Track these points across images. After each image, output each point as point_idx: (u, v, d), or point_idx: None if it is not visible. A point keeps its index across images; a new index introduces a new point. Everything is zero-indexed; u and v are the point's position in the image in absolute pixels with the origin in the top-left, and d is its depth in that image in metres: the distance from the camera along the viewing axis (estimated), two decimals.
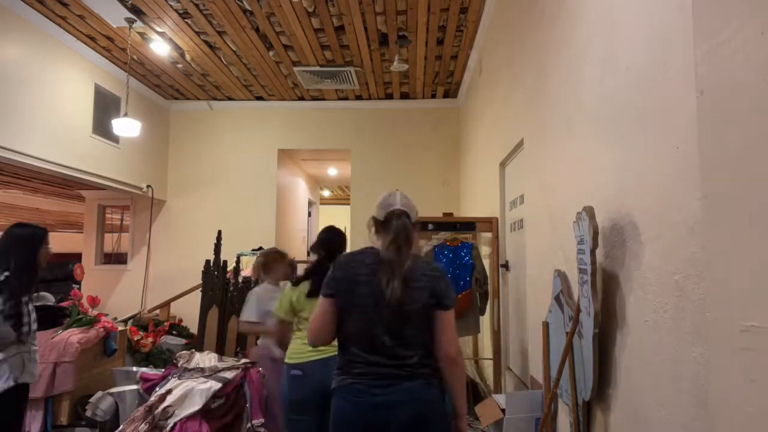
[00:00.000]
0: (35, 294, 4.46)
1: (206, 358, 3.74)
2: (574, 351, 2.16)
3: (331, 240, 3.01)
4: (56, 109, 5.32)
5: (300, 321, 2.83)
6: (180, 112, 7.65)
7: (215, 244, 5.37)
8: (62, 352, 4.01)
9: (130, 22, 5.06)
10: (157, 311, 6.51)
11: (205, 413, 3.20)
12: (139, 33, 5.35)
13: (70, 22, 5.13)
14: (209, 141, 7.60)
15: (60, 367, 3.99)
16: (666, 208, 1.56)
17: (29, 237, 2.77)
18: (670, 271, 1.53)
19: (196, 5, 4.76)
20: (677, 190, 1.49)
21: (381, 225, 1.97)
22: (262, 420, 3.49)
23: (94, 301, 4.59)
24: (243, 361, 3.70)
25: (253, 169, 7.48)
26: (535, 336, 3.17)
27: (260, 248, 6.23)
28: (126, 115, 5.63)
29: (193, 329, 5.75)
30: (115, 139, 6.23)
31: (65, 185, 7.55)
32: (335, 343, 2.02)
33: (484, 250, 4.68)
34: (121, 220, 8.26)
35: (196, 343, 5.18)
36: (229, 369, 3.57)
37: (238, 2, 4.69)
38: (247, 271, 5.57)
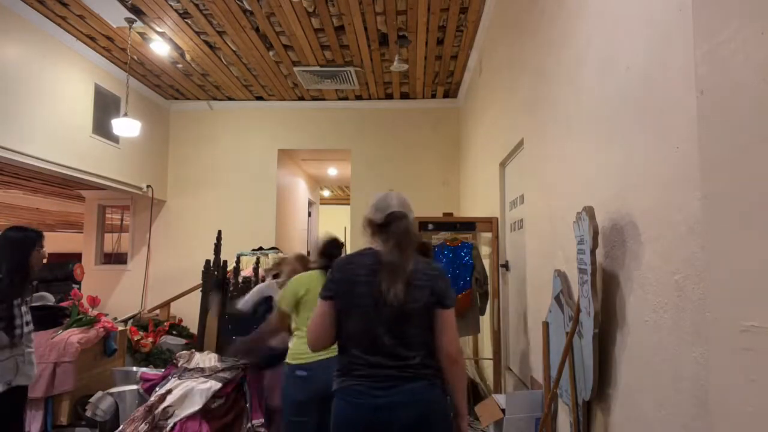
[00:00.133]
0: (36, 294, 4.48)
1: (206, 358, 3.75)
2: (574, 351, 2.16)
3: (332, 251, 2.93)
4: (56, 109, 5.32)
5: (307, 312, 2.72)
6: (180, 112, 7.65)
7: (215, 244, 5.37)
8: (62, 352, 4.01)
9: (130, 22, 5.06)
10: (157, 311, 6.51)
11: (205, 413, 3.20)
12: (139, 33, 5.35)
13: (70, 22, 5.13)
14: (209, 141, 7.60)
15: (60, 367, 3.99)
16: (666, 208, 1.56)
17: (22, 240, 2.77)
18: (670, 271, 1.53)
19: (196, 5, 4.76)
20: (677, 190, 1.49)
21: (380, 228, 1.96)
22: (262, 420, 3.49)
23: (94, 301, 4.59)
24: (243, 361, 3.70)
25: (253, 169, 7.48)
26: (535, 336, 3.17)
27: (260, 248, 6.24)
28: (126, 115, 5.63)
29: (193, 329, 5.75)
30: (115, 139, 6.23)
31: (65, 185, 7.55)
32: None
33: (484, 250, 4.68)
34: (121, 220, 8.26)
35: (196, 343, 5.18)
36: (229, 369, 3.57)
37: (238, 2, 4.69)
38: (247, 271, 5.58)
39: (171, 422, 3.14)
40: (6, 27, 4.66)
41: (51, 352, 3.99)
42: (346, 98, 7.37)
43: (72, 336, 4.13)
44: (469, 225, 4.79)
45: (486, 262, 4.46)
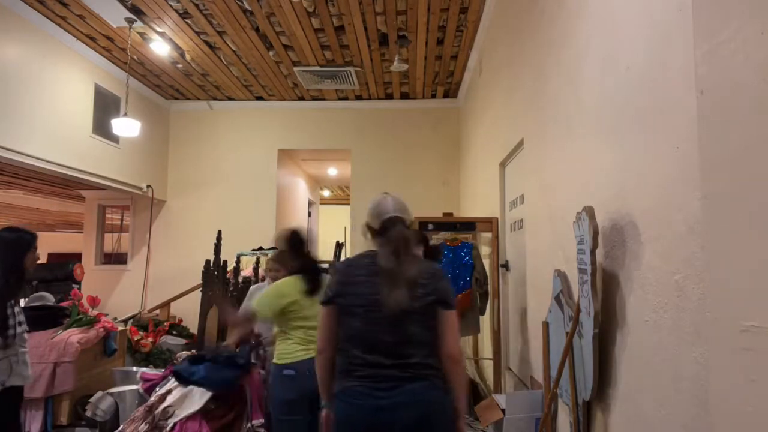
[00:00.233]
0: (36, 294, 4.48)
1: None
2: (574, 351, 2.16)
3: (294, 239, 2.96)
4: (56, 109, 5.32)
5: (293, 320, 2.74)
6: (180, 112, 7.65)
7: (215, 244, 5.37)
8: (62, 352, 4.01)
9: (130, 22, 5.06)
10: (157, 311, 6.51)
11: (205, 413, 3.20)
12: (139, 33, 5.35)
13: (70, 22, 5.13)
14: (209, 141, 7.60)
15: (60, 367, 3.99)
16: (666, 208, 1.56)
17: (16, 241, 2.77)
18: (670, 271, 1.53)
19: (196, 5, 4.76)
20: (677, 190, 1.49)
21: (377, 233, 1.99)
22: (262, 420, 3.49)
23: (94, 301, 4.59)
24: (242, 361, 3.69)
25: (253, 169, 7.48)
26: (535, 336, 3.17)
27: (260, 248, 6.23)
28: (126, 115, 5.63)
29: (193, 329, 5.76)
30: (115, 139, 6.23)
31: (65, 185, 7.55)
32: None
33: (484, 250, 4.68)
34: (121, 220, 8.26)
35: (196, 343, 5.18)
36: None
37: (238, 2, 4.69)
38: (247, 271, 5.57)
39: (171, 422, 3.14)
40: (6, 27, 4.66)
41: (51, 352, 3.99)
42: (346, 98, 7.37)
43: (72, 336, 4.13)
44: (469, 225, 4.79)
45: (486, 262, 4.46)
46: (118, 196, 7.43)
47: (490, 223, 4.44)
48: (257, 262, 5.60)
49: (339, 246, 6.80)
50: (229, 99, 7.47)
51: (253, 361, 3.53)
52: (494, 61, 4.67)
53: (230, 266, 5.49)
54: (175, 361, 3.81)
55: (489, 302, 4.35)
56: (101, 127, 5.95)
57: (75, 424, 4.04)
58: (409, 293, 1.86)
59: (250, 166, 7.49)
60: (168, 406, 3.21)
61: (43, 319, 4.27)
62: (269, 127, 7.59)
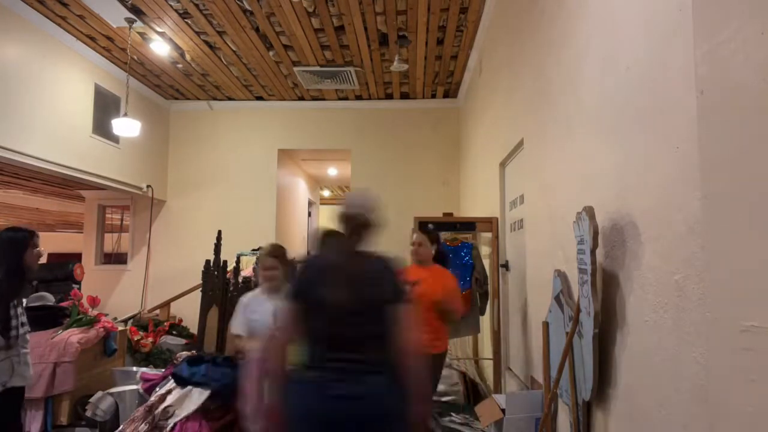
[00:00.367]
0: (36, 294, 4.48)
1: None
2: (574, 351, 2.16)
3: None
4: (56, 109, 5.32)
5: None
6: (180, 112, 7.65)
7: (215, 244, 5.37)
8: (62, 352, 4.01)
9: (130, 22, 5.06)
10: (157, 311, 6.51)
11: (205, 413, 3.19)
12: (139, 33, 5.35)
13: (70, 22, 5.13)
14: (209, 141, 7.60)
15: (60, 367, 3.99)
16: (666, 208, 1.56)
17: (13, 240, 2.76)
18: (670, 271, 1.53)
19: (196, 5, 4.76)
20: (677, 190, 1.49)
21: (339, 224, 2.08)
22: None
23: (94, 301, 4.59)
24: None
25: (253, 169, 7.48)
26: (535, 336, 3.17)
27: (260, 248, 6.23)
28: (126, 115, 5.63)
29: (193, 329, 5.75)
30: (115, 139, 6.23)
31: (65, 185, 7.55)
32: None
33: (484, 250, 4.68)
34: (121, 220, 8.26)
35: (196, 343, 5.18)
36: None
37: (238, 2, 4.69)
38: (247, 271, 5.57)
39: (171, 422, 3.14)
40: (6, 27, 4.66)
41: (51, 352, 3.99)
42: (346, 98, 7.37)
43: (72, 336, 4.13)
44: (469, 225, 4.79)
45: (486, 262, 4.46)
46: (118, 196, 7.43)
47: (490, 223, 4.44)
48: (257, 262, 5.60)
49: None
50: (229, 99, 7.47)
51: None
52: (494, 61, 4.67)
53: (230, 266, 5.49)
54: (175, 361, 3.81)
55: (489, 302, 4.35)
56: (101, 127, 5.95)
57: (75, 424, 4.03)
58: (354, 291, 1.92)
59: (250, 166, 7.49)
60: (168, 406, 3.21)
61: (43, 319, 4.27)
62: (269, 127, 7.59)
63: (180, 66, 6.24)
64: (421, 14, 4.87)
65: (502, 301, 4.42)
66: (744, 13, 1.15)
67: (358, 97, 7.34)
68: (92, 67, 5.86)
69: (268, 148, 7.53)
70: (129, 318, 6.04)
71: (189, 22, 5.10)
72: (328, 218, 11.67)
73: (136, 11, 4.90)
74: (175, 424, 3.12)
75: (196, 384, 3.19)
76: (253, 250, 6.06)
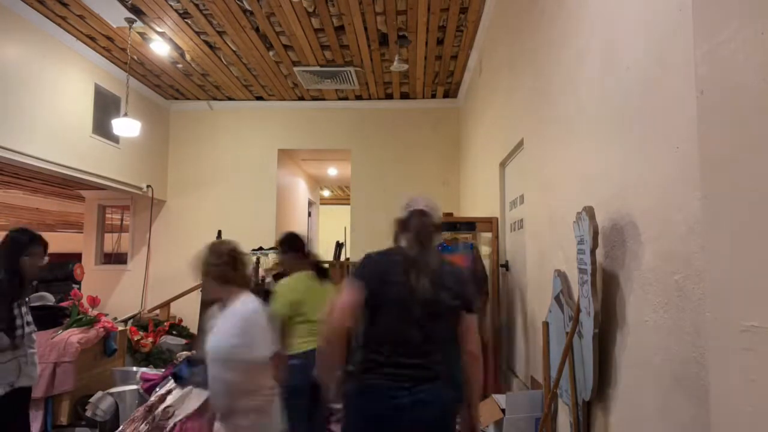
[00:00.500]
0: (36, 294, 4.48)
1: None
2: (574, 351, 2.16)
3: (294, 240, 3.31)
4: (56, 109, 5.32)
5: (299, 315, 2.98)
6: (180, 112, 7.65)
7: None
8: (62, 352, 4.01)
9: (130, 22, 5.06)
10: (157, 311, 6.51)
11: (204, 413, 3.20)
12: (139, 33, 5.35)
13: (70, 22, 5.13)
14: (209, 141, 7.60)
15: (60, 367, 3.99)
16: (666, 208, 1.56)
17: (17, 242, 2.76)
18: (670, 271, 1.53)
19: (196, 5, 4.76)
20: (677, 190, 1.49)
21: (403, 224, 2.02)
22: None
23: (94, 301, 4.59)
24: None
25: (253, 169, 7.48)
26: (535, 336, 3.17)
27: (260, 248, 6.23)
28: (126, 115, 5.63)
29: (193, 329, 5.75)
30: (115, 139, 6.22)
31: (65, 185, 7.55)
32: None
33: (484, 250, 4.68)
34: (121, 220, 8.26)
35: (196, 343, 5.17)
36: None
37: (238, 2, 4.69)
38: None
39: (171, 422, 3.14)
40: (6, 27, 4.66)
41: (51, 352, 3.99)
42: (346, 98, 7.37)
43: (72, 336, 4.13)
44: (469, 225, 4.79)
45: (486, 262, 4.46)
46: (118, 196, 7.43)
47: (490, 223, 4.44)
48: (257, 262, 5.60)
49: (339, 246, 6.80)
50: (229, 99, 7.47)
51: None
52: (494, 61, 4.67)
53: None
54: (175, 361, 3.82)
55: (489, 302, 4.34)
56: (101, 127, 5.95)
57: (75, 424, 4.03)
58: (437, 290, 1.89)
59: (250, 166, 7.49)
60: (168, 406, 3.21)
61: (43, 319, 4.26)
62: (269, 127, 7.58)
63: (180, 66, 6.24)
64: (421, 14, 4.87)
65: (502, 301, 4.42)
66: (744, 13, 1.15)
67: (358, 97, 7.34)
68: (92, 67, 5.86)
69: (268, 148, 7.53)
70: (129, 318, 6.04)
71: (189, 22, 5.10)
72: (328, 218, 11.68)
73: (136, 11, 4.90)
74: (175, 424, 3.12)
75: (196, 384, 3.19)
76: (253, 250, 6.06)
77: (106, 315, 4.87)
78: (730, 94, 1.21)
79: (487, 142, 5.11)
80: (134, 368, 4.55)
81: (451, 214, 5.58)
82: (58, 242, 13.59)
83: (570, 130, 2.52)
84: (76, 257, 7.45)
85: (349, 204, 7.76)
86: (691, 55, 1.38)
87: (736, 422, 1.17)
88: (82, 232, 8.28)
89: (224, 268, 2.20)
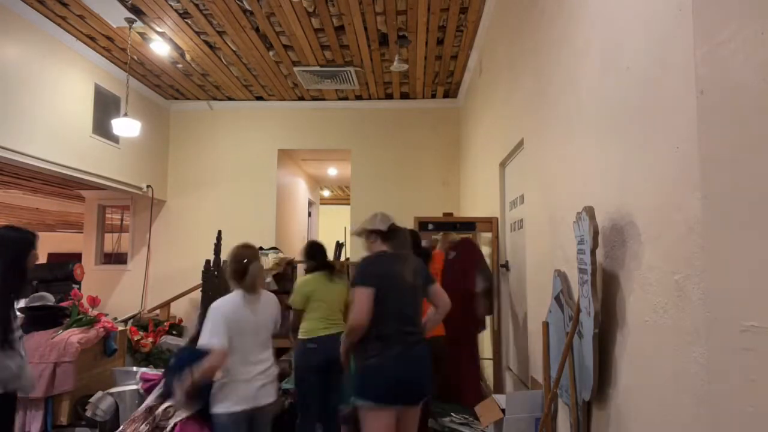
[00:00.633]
0: (36, 294, 4.48)
1: None
2: (574, 351, 2.16)
3: (318, 250, 3.86)
4: (56, 109, 5.32)
5: (314, 302, 3.57)
6: (180, 112, 7.65)
7: (215, 244, 5.37)
8: (62, 352, 4.01)
9: (130, 22, 5.06)
10: (157, 311, 6.51)
11: (205, 414, 3.19)
12: (139, 33, 5.35)
13: (70, 22, 5.13)
14: (209, 141, 7.60)
15: (60, 367, 3.98)
16: (666, 208, 1.56)
17: (19, 240, 2.72)
18: (670, 271, 1.53)
19: (196, 5, 4.76)
20: (677, 190, 1.49)
21: (386, 234, 2.74)
22: None
23: (94, 301, 4.59)
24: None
25: (253, 169, 7.48)
26: (535, 336, 3.17)
27: (260, 248, 6.23)
28: (126, 115, 5.63)
29: (193, 329, 5.74)
30: (115, 139, 6.23)
31: (65, 185, 7.55)
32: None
33: (484, 250, 4.68)
34: (121, 220, 8.26)
35: (195, 343, 5.17)
36: None
37: (238, 2, 4.69)
38: None
39: (171, 422, 3.14)
40: (6, 27, 4.66)
41: (51, 352, 3.99)
42: (346, 98, 7.37)
43: (72, 336, 4.13)
44: (469, 225, 4.79)
45: (486, 262, 4.46)
46: (118, 196, 7.43)
47: (490, 223, 4.44)
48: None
49: (339, 246, 6.80)
50: (229, 99, 7.47)
51: None
52: (494, 61, 4.67)
53: None
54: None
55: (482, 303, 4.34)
56: (101, 127, 5.95)
57: (75, 424, 4.03)
58: (413, 276, 2.66)
59: (250, 166, 7.49)
60: (169, 407, 3.21)
61: (43, 319, 4.27)
62: (269, 127, 7.59)
63: (180, 66, 6.24)
64: (421, 14, 4.87)
65: (502, 301, 4.42)
66: (744, 13, 1.15)
67: (358, 97, 7.34)
68: (92, 67, 5.86)
69: (268, 148, 7.53)
70: (129, 318, 6.04)
71: (189, 22, 5.10)
72: (328, 218, 11.68)
73: (136, 11, 4.90)
74: (175, 424, 3.12)
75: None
76: None
77: (106, 315, 4.87)
78: (730, 94, 1.21)
79: (487, 142, 5.11)
80: (134, 368, 4.55)
81: (451, 214, 5.59)
82: (58, 242, 13.62)
83: (570, 130, 2.52)
84: (76, 257, 7.44)
85: (349, 204, 7.76)
86: (691, 55, 1.38)
87: (736, 422, 1.17)
88: (82, 232, 8.28)
89: (233, 270, 2.67)
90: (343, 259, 6.66)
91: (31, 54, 4.98)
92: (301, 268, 4.99)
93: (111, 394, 3.96)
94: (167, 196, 7.58)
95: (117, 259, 7.94)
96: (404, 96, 7.29)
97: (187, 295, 6.58)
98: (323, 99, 7.43)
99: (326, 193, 12.31)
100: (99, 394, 3.95)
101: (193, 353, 2.58)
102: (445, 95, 7.25)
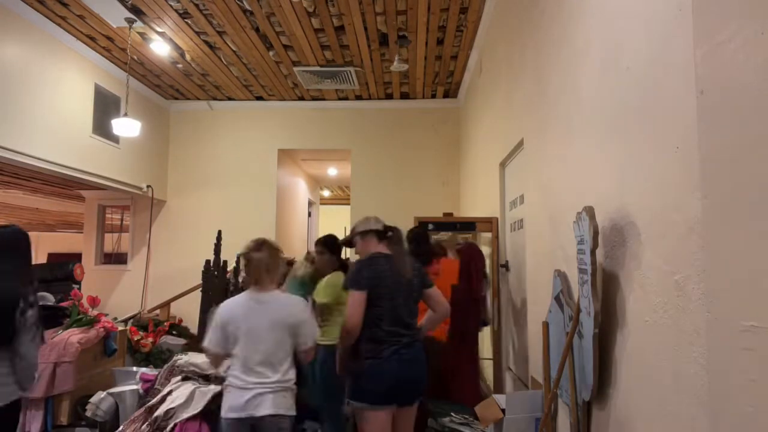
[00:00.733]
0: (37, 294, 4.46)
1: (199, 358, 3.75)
2: (574, 351, 2.16)
3: (340, 247, 3.70)
4: (56, 109, 5.32)
5: (340, 307, 3.27)
6: (180, 112, 7.65)
7: (215, 244, 5.37)
8: (62, 352, 4.00)
9: (130, 22, 5.06)
10: (157, 311, 6.51)
11: (205, 414, 3.20)
12: (139, 33, 5.35)
13: (70, 22, 5.13)
14: (209, 141, 7.60)
15: (60, 367, 3.98)
16: (666, 208, 1.56)
17: (18, 239, 2.70)
18: (670, 271, 1.53)
19: (196, 5, 4.76)
20: (677, 190, 1.49)
21: (382, 234, 2.75)
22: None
23: (94, 301, 4.58)
24: None
25: (253, 169, 7.48)
26: (535, 336, 3.17)
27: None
28: (126, 115, 5.63)
29: (194, 329, 5.75)
30: (115, 139, 6.22)
31: (65, 185, 7.55)
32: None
33: (484, 250, 4.68)
34: (121, 220, 8.26)
35: (196, 343, 5.17)
36: None
37: (238, 2, 4.69)
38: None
39: (171, 423, 3.14)
40: (6, 27, 4.66)
41: (51, 352, 3.98)
42: (346, 98, 7.37)
43: (72, 336, 4.12)
44: (469, 225, 4.79)
45: (486, 262, 4.46)
46: (118, 196, 7.43)
47: (490, 223, 4.44)
48: (237, 264, 5.59)
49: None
50: (229, 99, 7.47)
51: None
52: (494, 61, 4.67)
53: (230, 266, 5.49)
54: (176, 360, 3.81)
55: (489, 302, 4.35)
56: (101, 127, 5.95)
57: (75, 424, 4.03)
58: (408, 276, 2.63)
59: (250, 166, 7.49)
60: (169, 408, 3.21)
61: (43, 319, 4.25)
62: (269, 127, 7.59)
63: (180, 66, 6.24)
64: (421, 14, 4.87)
65: (502, 301, 4.42)
66: (744, 13, 1.15)
67: (358, 97, 7.34)
68: (92, 67, 5.86)
69: (268, 148, 7.53)
70: (129, 318, 6.03)
71: (189, 22, 5.10)
72: (328, 218, 11.68)
73: (136, 11, 4.90)
74: (175, 425, 3.12)
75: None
76: None
77: (106, 315, 4.86)
78: (730, 94, 1.21)
79: (487, 142, 5.11)
80: (134, 368, 4.55)
81: (451, 214, 5.59)
82: (58, 242, 13.61)
83: (570, 130, 2.52)
84: (76, 257, 7.45)
85: (349, 204, 7.76)
86: (691, 55, 1.38)
87: (736, 422, 1.17)
88: (82, 232, 8.28)
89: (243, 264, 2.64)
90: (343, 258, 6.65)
91: (31, 54, 4.98)
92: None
93: (111, 394, 3.96)
94: (167, 196, 7.58)
95: (117, 259, 7.94)
96: (404, 96, 7.29)
97: (186, 295, 6.57)
98: (323, 99, 7.43)
99: (326, 193, 12.31)
100: (99, 394, 3.94)
101: None
102: (445, 95, 7.25)
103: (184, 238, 7.37)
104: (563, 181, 2.63)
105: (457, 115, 7.35)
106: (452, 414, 3.79)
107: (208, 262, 5.24)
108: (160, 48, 5.64)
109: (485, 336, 4.86)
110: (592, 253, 1.92)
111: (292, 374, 2.52)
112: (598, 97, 2.15)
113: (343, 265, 3.59)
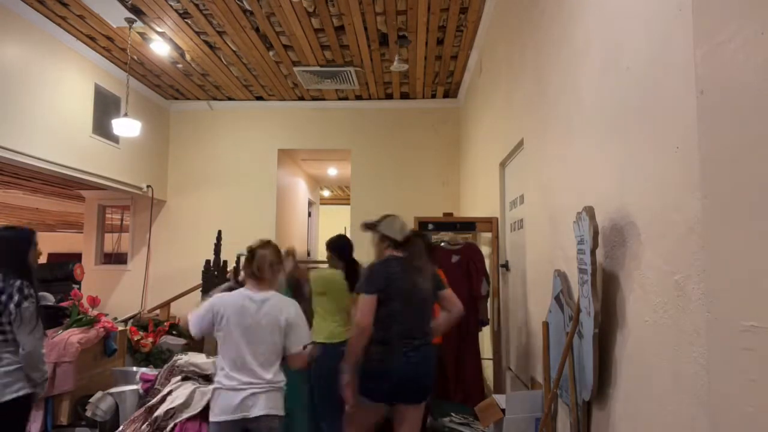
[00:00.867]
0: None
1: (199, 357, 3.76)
2: (574, 351, 2.16)
3: (344, 245, 3.64)
4: (56, 109, 5.32)
5: (339, 303, 3.39)
6: (180, 112, 7.65)
7: (215, 244, 5.38)
8: (62, 352, 4.01)
9: (130, 22, 5.06)
10: (157, 311, 6.51)
11: (204, 414, 3.20)
12: (139, 33, 5.35)
13: (70, 22, 5.13)
14: (209, 141, 7.60)
15: (60, 367, 3.98)
16: (666, 208, 1.56)
17: (20, 240, 2.70)
18: (670, 271, 1.53)
19: (196, 5, 4.76)
20: (677, 190, 1.49)
21: (401, 243, 2.75)
22: None
23: (94, 301, 4.59)
24: None
25: (253, 169, 7.48)
26: (535, 336, 3.17)
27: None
28: (126, 115, 5.63)
29: None
30: (115, 139, 6.23)
31: (65, 185, 7.55)
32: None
33: (484, 250, 4.68)
34: (121, 220, 8.26)
35: (196, 343, 5.17)
36: None
37: (238, 2, 4.69)
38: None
39: (172, 423, 3.14)
40: (6, 27, 4.66)
41: (51, 352, 3.98)
42: (346, 98, 7.37)
43: (72, 336, 4.13)
44: (469, 225, 4.79)
45: (486, 262, 4.46)
46: (118, 196, 7.43)
47: (490, 223, 4.44)
48: (237, 262, 5.59)
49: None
50: (229, 99, 7.47)
51: None
52: (494, 61, 4.67)
53: (230, 266, 5.49)
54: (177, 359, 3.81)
55: (489, 302, 4.34)
56: (101, 127, 5.95)
57: (75, 424, 4.03)
58: (423, 281, 2.67)
59: (250, 166, 7.49)
60: (169, 408, 3.21)
61: (43, 319, 4.25)
62: (269, 127, 7.59)
63: (180, 66, 6.24)
64: (421, 14, 4.87)
65: (502, 301, 4.42)
66: (744, 13, 1.15)
67: (358, 97, 7.34)
68: (92, 67, 5.86)
69: (268, 148, 7.53)
70: (129, 318, 6.04)
71: (189, 22, 5.10)
72: (328, 218, 11.68)
73: (136, 11, 4.90)
74: (175, 425, 3.12)
75: None
76: None
77: (106, 315, 4.86)
78: (730, 94, 1.21)
79: (487, 142, 5.11)
80: (134, 368, 4.55)
81: (451, 214, 5.58)
82: (58, 242, 13.62)
83: (570, 130, 2.52)
84: (76, 257, 7.45)
85: (349, 204, 7.76)
86: (691, 55, 1.38)
87: (736, 422, 1.17)
88: (82, 232, 8.28)
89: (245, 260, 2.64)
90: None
91: (31, 54, 4.98)
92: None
93: (111, 394, 3.96)
94: (167, 196, 7.58)
95: (117, 259, 7.94)
96: (404, 96, 7.29)
97: (186, 295, 6.57)
98: (323, 99, 7.43)
99: (326, 193, 12.31)
100: (99, 394, 3.95)
101: None
102: (445, 95, 7.25)
103: (184, 238, 7.37)
104: (563, 181, 2.63)
105: (457, 115, 7.35)
106: (452, 414, 3.79)
107: (208, 262, 5.24)
108: (160, 48, 5.64)
109: (485, 336, 4.86)
110: (592, 253, 1.92)
111: (281, 375, 2.52)
112: (598, 97, 2.15)
113: (349, 269, 3.47)
